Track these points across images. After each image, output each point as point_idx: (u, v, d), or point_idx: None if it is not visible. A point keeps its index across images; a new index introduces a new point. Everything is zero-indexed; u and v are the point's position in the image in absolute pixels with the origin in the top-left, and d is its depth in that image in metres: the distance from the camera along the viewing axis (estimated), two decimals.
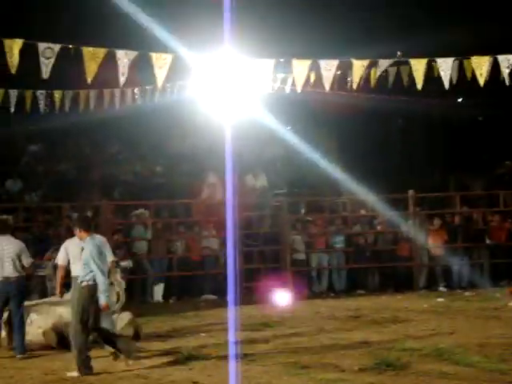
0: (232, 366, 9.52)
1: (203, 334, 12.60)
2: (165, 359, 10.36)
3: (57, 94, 14.47)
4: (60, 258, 11.02)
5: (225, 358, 10.10)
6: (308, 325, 13.25)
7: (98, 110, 15.42)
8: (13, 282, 10.98)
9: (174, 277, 18.06)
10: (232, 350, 10.41)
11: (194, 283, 18.15)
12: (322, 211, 19.84)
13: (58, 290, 11.07)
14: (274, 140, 21.44)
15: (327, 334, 12.13)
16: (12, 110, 14.60)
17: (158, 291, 17.80)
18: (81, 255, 10.21)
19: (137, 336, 12.15)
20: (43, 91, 14.33)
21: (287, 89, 14.02)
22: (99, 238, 10.20)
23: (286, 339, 11.78)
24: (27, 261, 11.09)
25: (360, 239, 19.20)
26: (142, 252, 17.95)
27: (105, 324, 10.44)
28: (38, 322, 11.49)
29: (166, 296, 17.82)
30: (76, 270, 10.42)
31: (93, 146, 23.10)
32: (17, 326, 11.04)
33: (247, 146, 20.87)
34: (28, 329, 11.31)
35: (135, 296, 17.26)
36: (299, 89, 12.13)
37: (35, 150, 22.39)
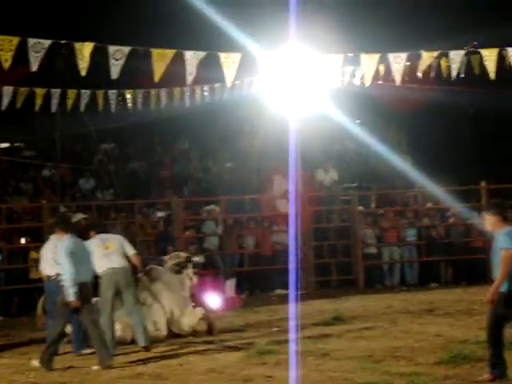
0: (304, 360, 9.55)
1: (276, 329, 12.64)
2: (238, 354, 10.43)
3: (128, 94, 14.68)
4: None
5: (298, 352, 10.12)
6: (381, 318, 13.18)
7: (168, 108, 15.58)
8: (54, 281, 10.93)
9: (246, 272, 18.17)
10: (303, 345, 10.45)
11: (266, 278, 18.22)
12: (392, 204, 19.72)
13: None
14: (343, 134, 21.37)
15: (400, 328, 12.05)
16: (83, 110, 14.87)
17: (230, 286, 17.93)
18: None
19: (210, 331, 12.28)
20: (114, 91, 14.54)
21: (356, 83, 13.94)
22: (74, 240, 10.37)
23: (359, 333, 11.75)
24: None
25: (432, 232, 19.03)
26: (214, 247, 18.09)
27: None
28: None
29: (237, 291, 17.93)
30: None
31: (163, 144, 23.35)
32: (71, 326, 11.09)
33: (316, 141, 20.83)
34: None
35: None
36: (368, 83, 12.08)
37: (107, 149, 22.76)
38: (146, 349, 10.93)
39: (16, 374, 9.93)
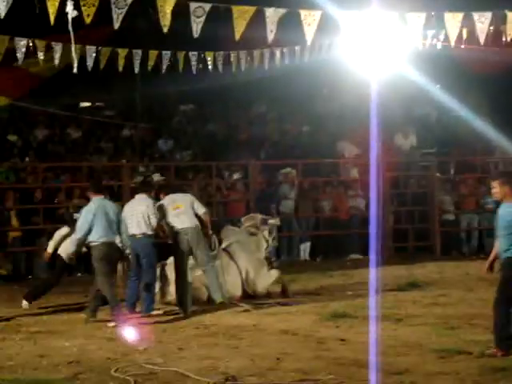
0: (378, 325, 9.52)
1: (350, 293, 12.61)
2: (312, 316, 10.45)
3: (208, 56, 14.67)
4: None
5: (371, 317, 10.10)
6: (457, 286, 13.04)
7: (247, 70, 15.54)
8: (138, 240, 11.12)
9: (321, 236, 18.16)
10: (377, 310, 10.41)
11: (341, 242, 18.18)
12: (472, 171, 19.40)
13: None
14: (423, 98, 21.03)
15: (477, 296, 11.89)
16: (163, 71, 14.94)
17: (305, 250, 17.95)
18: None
19: (284, 293, 12.32)
20: (195, 53, 14.55)
21: (438, 45, 13.66)
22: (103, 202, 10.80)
23: (435, 300, 11.64)
24: (153, 221, 11.18)
25: None
26: (289, 211, 18.09)
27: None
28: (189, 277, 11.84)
29: (312, 255, 17.95)
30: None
31: (241, 106, 23.36)
32: (144, 286, 11.18)
33: (396, 105, 20.57)
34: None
35: (282, 254, 17.48)
36: (452, 43, 11.84)
37: (186, 110, 22.89)
38: (223, 304, 11.05)
39: (94, 329, 10.15)
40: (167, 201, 11.46)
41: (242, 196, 17.99)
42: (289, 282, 12.74)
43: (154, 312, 11.09)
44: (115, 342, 9.20)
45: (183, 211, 11.31)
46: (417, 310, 10.79)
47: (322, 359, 8.02)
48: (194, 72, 14.71)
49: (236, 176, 18.66)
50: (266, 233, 12.60)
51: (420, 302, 11.44)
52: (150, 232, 11.14)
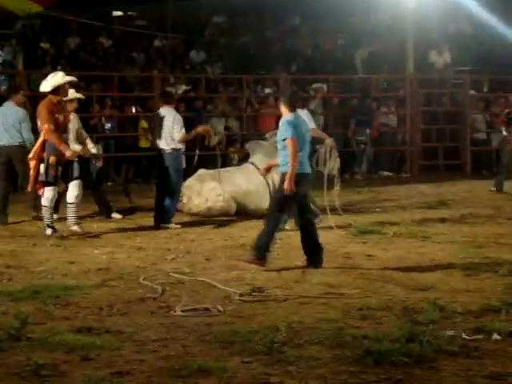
0: (405, 241, 9.57)
1: (378, 209, 12.63)
2: (339, 232, 10.47)
3: None
4: None
5: (399, 234, 10.14)
6: (485, 205, 13.02)
7: None
8: (164, 153, 11.02)
9: (350, 153, 18.06)
10: (405, 227, 10.46)
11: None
12: (506, 89, 19.11)
13: None
14: (459, 15, 20.63)
15: (505, 215, 11.88)
16: None
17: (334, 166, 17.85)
18: None
19: None
20: None
21: None
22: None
23: (462, 218, 11.64)
24: (177, 133, 10.99)
25: None
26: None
27: None
28: (218, 190, 11.87)
29: (341, 172, 17.85)
30: None
31: (274, 20, 23.05)
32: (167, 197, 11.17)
33: (431, 21, 20.20)
34: (207, 195, 11.80)
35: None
36: None
37: (218, 22, 22.63)
38: None
39: (123, 238, 10.26)
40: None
41: (272, 110, 17.89)
42: (316, 197, 12.69)
43: (173, 225, 11.09)
44: (144, 251, 9.32)
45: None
46: (444, 228, 10.79)
47: (348, 274, 8.08)
48: None
49: (268, 90, 18.53)
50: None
51: (447, 221, 11.44)
52: (173, 146, 11.06)
